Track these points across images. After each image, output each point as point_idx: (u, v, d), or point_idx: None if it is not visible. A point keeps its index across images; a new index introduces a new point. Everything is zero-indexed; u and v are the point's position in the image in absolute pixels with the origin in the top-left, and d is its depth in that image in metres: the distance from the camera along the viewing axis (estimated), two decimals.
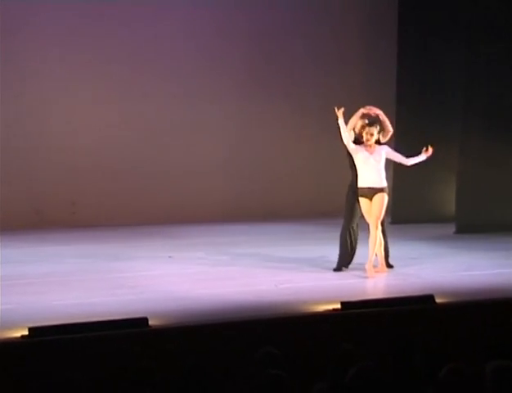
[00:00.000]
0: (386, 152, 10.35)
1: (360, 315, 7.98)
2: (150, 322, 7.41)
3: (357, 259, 10.32)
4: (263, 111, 15.14)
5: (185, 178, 14.68)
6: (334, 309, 8.04)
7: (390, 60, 15.00)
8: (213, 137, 14.92)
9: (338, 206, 15.32)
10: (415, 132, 14.39)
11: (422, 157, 10.47)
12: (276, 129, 15.34)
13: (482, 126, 13.29)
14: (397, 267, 10.57)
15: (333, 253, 11.08)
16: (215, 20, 14.88)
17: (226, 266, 10.77)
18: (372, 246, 10.02)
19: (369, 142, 10.22)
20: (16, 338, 6.99)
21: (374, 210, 10.07)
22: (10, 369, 6.68)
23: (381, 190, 10.11)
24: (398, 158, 10.57)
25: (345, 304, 8.06)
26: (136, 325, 7.35)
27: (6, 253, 11.57)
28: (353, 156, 10.29)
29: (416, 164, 10.57)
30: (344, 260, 10.30)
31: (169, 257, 11.30)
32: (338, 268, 10.24)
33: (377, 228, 10.06)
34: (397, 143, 14.74)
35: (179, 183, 14.60)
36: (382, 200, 10.08)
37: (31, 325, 7.09)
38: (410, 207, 14.20)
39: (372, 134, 10.26)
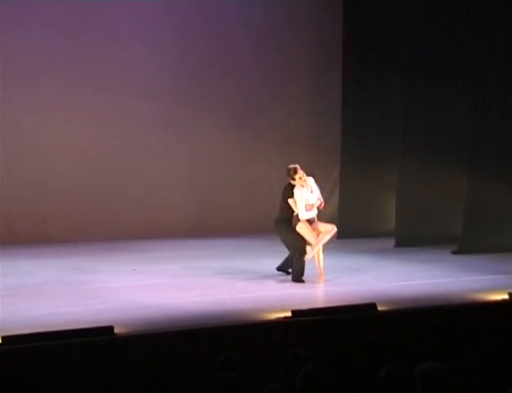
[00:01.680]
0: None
1: (309, 322, 8.00)
2: (116, 331, 7.35)
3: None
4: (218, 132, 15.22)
5: (150, 195, 14.66)
6: (285, 317, 8.06)
7: (335, 88, 15.12)
8: (176, 156, 14.93)
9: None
10: (358, 154, 14.56)
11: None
12: (228, 150, 15.40)
13: (419, 148, 13.44)
14: (342, 277, 10.66)
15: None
16: (167, 45, 14.87)
17: (186, 277, 10.75)
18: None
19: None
20: None
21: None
22: None
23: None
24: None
25: (295, 313, 8.09)
26: (102, 333, 7.28)
27: None
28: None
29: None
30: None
31: (133, 269, 11.26)
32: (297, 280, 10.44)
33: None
34: (342, 163, 14.97)
35: (146, 200, 14.58)
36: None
37: (4, 334, 7.04)
38: (355, 223, 14.28)
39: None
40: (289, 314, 8.05)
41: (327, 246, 10.61)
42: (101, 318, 7.93)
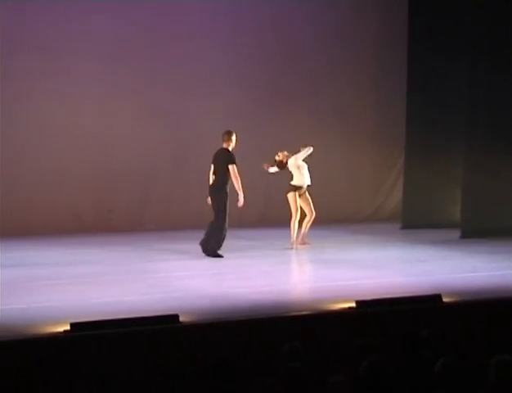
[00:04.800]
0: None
1: (373, 313, 8.00)
2: (181, 319, 7.43)
3: None
4: (281, 121, 15.24)
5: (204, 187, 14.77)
6: (349, 308, 8.07)
7: (400, 76, 15.01)
8: (244, 148, 14.99)
9: (351, 212, 15.54)
10: (423, 144, 14.44)
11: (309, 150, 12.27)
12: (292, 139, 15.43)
13: (485, 139, 13.29)
14: (407, 268, 10.64)
15: (350, 255, 11.20)
16: (232, 37, 14.94)
17: (250, 267, 10.82)
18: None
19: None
20: (59, 333, 7.02)
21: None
22: (53, 361, 6.71)
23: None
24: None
25: (360, 303, 8.10)
26: (168, 321, 7.36)
27: (48, 255, 11.73)
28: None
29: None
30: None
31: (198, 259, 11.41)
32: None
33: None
34: (407, 153, 14.87)
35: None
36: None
37: (72, 321, 7.13)
38: (420, 214, 14.20)
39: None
40: (354, 305, 8.06)
41: (386, 237, 10.51)
42: (166, 306, 8.01)
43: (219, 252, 11.33)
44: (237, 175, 11.25)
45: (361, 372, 5.25)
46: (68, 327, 7.06)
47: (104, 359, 6.69)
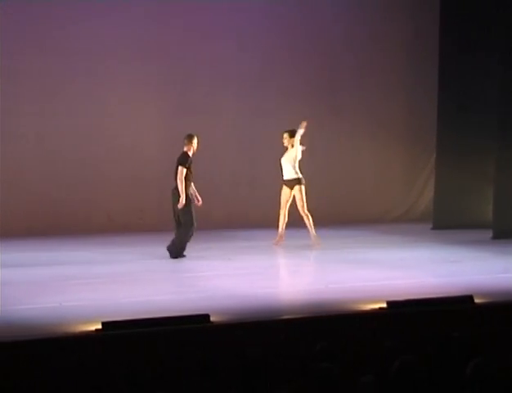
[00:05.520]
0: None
1: (404, 314, 7.98)
2: (212, 319, 7.44)
3: None
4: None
5: (246, 187, 14.81)
6: (380, 308, 8.06)
7: (431, 76, 14.96)
8: (275, 147, 15.04)
9: (382, 212, 15.51)
10: (454, 144, 14.37)
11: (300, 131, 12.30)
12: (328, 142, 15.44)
13: None
14: (438, 269, 10.60)
15: (380, 255, 11.19)
16: (261, 37, 14.97)
17: (280, 267, 10.85)
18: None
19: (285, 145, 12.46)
20: (91, 331, 7.06)
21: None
22: (85, 360, 6.76)
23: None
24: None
25: (391, 304, 8.08)
26: (199, 321, 7.38)
27: (79, 254, 11.83)
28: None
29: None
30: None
31: (228, 259, 11.42)
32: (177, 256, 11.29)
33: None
34: (438, 152, 14.81)
35: (245, 191, 14.74)
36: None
37: (104, 320, 7.17)
38: (451, 214, 14.14)
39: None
40: (385, 305, 8.04)
41: (416, 238, 10.45)
42: (196, 306, 8.02)
43: (184, 253, 11.47)
44: (182, 178, 11.32)
45: (391, 373, 5.24)
46: (99, 326, 7.09)
47: (134, 358, 6.73)
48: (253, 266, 10.89)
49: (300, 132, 12.44)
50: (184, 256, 11.42)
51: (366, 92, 15.56)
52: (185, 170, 11.34)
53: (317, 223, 13.10)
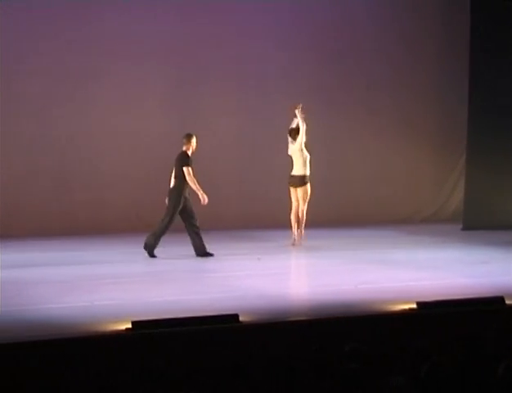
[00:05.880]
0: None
1: (434, 314, 7.95)
2: (241, 318, 7.45)
3: None
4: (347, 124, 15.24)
5: (276, 185, 14.80)
6: (410, 309, 8.04)
7: (462, 77, 14.90)
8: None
9: (412, 212, 15.45)
10: (484, 145, 14.29)
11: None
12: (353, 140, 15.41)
13: None
14: (469, 270, 10.54)
15: (410, 256, 11.15)
16: (294, 37, 14.97)
17: (309, 267, 10.84)
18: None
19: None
20: (121, 331, 7.11)
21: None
22: (115, 359, 6.81)
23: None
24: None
25: (420, 304, 8.06)
26: (228, 321, 7.40)
27: (109, 254, 11.89)
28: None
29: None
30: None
31: (258, 258, 11.43)
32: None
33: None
34: (468, 153, 14.73)
35: (271, 190, 14.72)
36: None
37: (134, 319, 7.20)
38: (481, 215, 14.06)
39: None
40: (414, 306, 8.02)
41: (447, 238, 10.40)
42: (225, 306, 8.04)
43: (154, 252, 11.52)
44: (192, 177, 11.37)
45: (422, 374, 5.22)
46: (129, 326, 7.13)
47: (164, 358, 6.76)
48: (282, 266, 10.91)
49: (299, 119, 12.37)
50: (155, 257, 11.41)
51: (396, 92, 15.51)
52: (190, 169, 11.35)
53: (347, 223, 13.14)
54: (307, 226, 12.57)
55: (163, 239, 11.54)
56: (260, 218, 14.34)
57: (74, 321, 7.46)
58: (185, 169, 11.36)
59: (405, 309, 8.03)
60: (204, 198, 11.37)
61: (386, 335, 7.38)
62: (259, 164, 14.80)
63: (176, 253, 11.85)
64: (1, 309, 7.90)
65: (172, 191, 11.53)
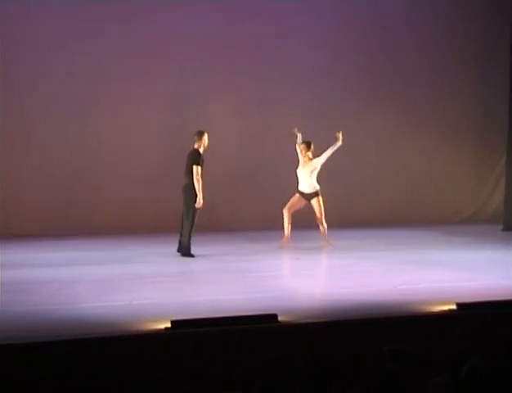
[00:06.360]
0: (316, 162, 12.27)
1: (474, 315, 7.90)
2: (280, 318, 7.45)
3: None
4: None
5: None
6: (449, 310, 7.99)
7: (502, 77, 14.79)
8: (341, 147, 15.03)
9: (451, 213, 15.35)
10: None
11: (338, 143, 12.25)
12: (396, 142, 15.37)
13: None
14: (509, 270, 10.45)
15: (449, 256, 11.09)
16: (331, 37, 14.97)
17: (348, 267, 10.81)
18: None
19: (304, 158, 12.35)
20: (160, 330, 7.12)
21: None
22: (154, 358, 6.84)
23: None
24: (325, 156, 12.24)
25: (460, 305, 8.01)
26: (267, 320, 7.39)
27: (148, 253, 11.95)
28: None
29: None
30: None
31: (297, 259, 11.44)
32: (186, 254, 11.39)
33: None
34: (509, 154, 14.61)
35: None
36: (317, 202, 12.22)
37: (173, 318, 7.21)
38: None
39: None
40: (454, 307, 7.98)
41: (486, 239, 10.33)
42: (264, 305, 8.04)
43: (192, 252, 11.52)
44: (199, 177, 11.36)
45: (462, 375, 5.20)
46: (169, 325, 7.15)
47: (203, 357, 6.79)
48: (320, 266, 10.91)
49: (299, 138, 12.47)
50: (193, 256, 11.42)
51: (435, 92, 15.45)
52: (200, 169, 11.37)
53: (386, 223, 13.08)
54: (338, 227, 12.54)
55: (203, 237, 11.57)
56: (296, 218, 14.31)
57: (113, 320, 7.49)
58: (194, 167, 11.39)
59: (444, 310, 7.99)
60: (199, 202, 11.36)
61: (426, 336, 7.35)
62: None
63: (214, 252, 11.90)
64: (41, 308, 8.00)
65: (185, 187, 11.56)
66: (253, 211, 14.54)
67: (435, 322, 7.76)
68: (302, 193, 12.40)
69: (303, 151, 12.39)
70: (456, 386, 5.17)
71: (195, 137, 11.61)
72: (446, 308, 8.01)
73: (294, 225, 12.56)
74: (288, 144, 14.48)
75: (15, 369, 6.37)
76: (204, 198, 11.37)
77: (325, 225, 12.27)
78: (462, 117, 15.67)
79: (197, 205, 11.36)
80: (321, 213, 12.26)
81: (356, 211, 14.89)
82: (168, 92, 14.32)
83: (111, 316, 7.66)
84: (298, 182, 12.46)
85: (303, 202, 12.42)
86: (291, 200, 12.41)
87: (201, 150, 11.56)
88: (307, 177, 12.31)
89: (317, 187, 12.34)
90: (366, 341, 7.07)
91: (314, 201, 12.31)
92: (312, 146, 12.41)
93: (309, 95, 14.77)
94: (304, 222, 12.91)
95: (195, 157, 11.45)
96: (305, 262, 11.20)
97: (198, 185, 11.37)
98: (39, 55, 13.84)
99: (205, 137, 11.58)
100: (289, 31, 14.72)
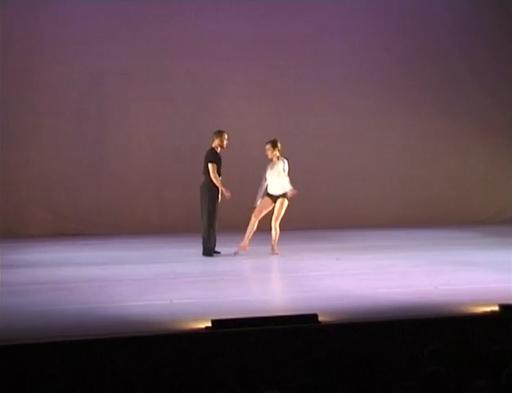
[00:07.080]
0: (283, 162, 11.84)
1: None
2: (320, 318, 7.45)
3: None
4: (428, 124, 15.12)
5: (351, 186, 14.79)
6: (491, 311, 7.93)
7: None
8: (377, 148, 14.98)
9: (492, 213, 15.24)
10: None
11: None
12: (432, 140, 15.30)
13: None
14: None
15: (490, 257, 11.02)
16: (373, 42, 14.95)
17: (388, 268, 10.78)
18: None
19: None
20: (201, 329, 7.15)
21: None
22: (195, 357, 6.89)
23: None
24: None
25: (503, 307, 7.95)
26: (307, 320, 7.40)
27: (188, 253, 12.01)
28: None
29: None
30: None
31: (336, 259, 11.43)
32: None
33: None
34: None
35: (347, 190, 14.72)
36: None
37: (214, 317, 7.25)
38: None
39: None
40: (497, 308, 7.92)
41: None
42: (304, 305, 8.05)
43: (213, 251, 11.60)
44: (215, 174, 11.39)
45: (503, 378, 5.17)
46: (209, 324, 7.18)
47: (244, 357, 6.81)
48: (362, 266, 10.87)
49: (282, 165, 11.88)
50: (218, 253, 11.51)
51: (474, 92, 15.35)
52: (215, 166, 11.41)
53: (426, 224, 13.01)
54: (375, 227, 12.53)
55: (242, 237, 11.60)
56: (330, 218, 14.34)
57: (153, 319, 7.54)
58: (210, 165, 11.45)
59: (486, 312, 7.93)
60: (226, 193, 11.41)
61: (467, 337, 7.30)
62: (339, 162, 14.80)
63: (254, 252, 11.92)
64: (82, 306, 8.08)
65: (201, 186, 11.61)
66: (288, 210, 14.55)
67: (477, 324, 7.70)
68: (271, 196, 11.97)
69: (269, 152, 11.93)
70: (497, 389, 5.14)
71: (213, 137, 11.67)
72: (488, 309, 7.95)
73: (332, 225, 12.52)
74: (324, 144, 14.52)
75: (63, 367, 6.44)
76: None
77: (277, 229, 11.84)
78: (502, 117, 15.57)
79: (226, 198, 11.41)
80: (279, 216, 11.80)
81: (396, 212, 14.86)
82: (192, 93, 14.37)
83: (152, 315, 7.72)
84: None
85: (272, 205, 11.94)
86: (259, 205, 11.95)
87: (218, 149, 11.58)
88: (275, 177, 11.89)
89: (286, 189, 11.82)
90: (406, 341, 7.05)
91: (278, 202, 11.85)
92: (279, 145, 11.91)
93: (352, 95, 14.74)
94: (342, 222, 12.93)
95: (210, 155, 11.54)
96: (345, 262, 11.19)
97: (217, 181, 11.45)
98: (44, 55, 14.04)
99: (225, 136, 11.61)
100: (329, 31, 14.71)
